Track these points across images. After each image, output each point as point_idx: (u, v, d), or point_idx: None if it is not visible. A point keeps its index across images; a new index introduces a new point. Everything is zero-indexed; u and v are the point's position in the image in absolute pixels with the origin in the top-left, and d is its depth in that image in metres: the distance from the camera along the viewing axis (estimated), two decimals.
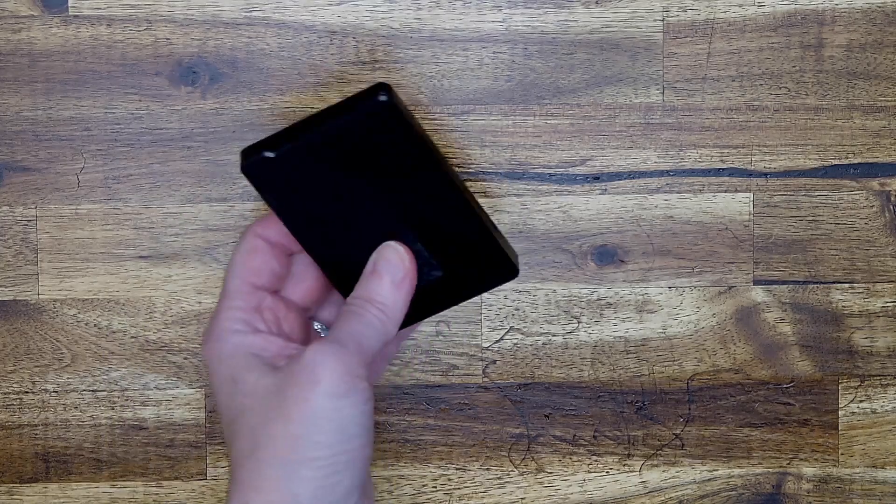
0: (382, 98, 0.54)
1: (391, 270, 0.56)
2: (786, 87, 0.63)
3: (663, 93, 0.63)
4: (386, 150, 0.55)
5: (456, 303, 0.59)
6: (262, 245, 0.57)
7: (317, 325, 0.59)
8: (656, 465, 0.64)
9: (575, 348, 0.64)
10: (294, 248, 0.57)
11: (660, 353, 0.64)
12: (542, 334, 0.64)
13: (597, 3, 0.62)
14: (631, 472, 0.64)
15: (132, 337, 0.63)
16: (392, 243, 0.57)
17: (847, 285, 0.64)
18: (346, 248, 0.57)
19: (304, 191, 0.56)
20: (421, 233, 0.57)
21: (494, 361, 0.64)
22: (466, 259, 0.58)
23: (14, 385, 0.63)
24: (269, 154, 0.55)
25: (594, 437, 0.64)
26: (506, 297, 0.63)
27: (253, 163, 0.55)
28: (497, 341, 0.64)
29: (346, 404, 0.52)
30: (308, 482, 0.51)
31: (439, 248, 0.57)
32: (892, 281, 0.64)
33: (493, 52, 0.62)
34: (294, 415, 0.51)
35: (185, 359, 0.63)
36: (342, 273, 0.57)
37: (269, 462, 0.52)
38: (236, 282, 0.56)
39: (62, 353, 0.63)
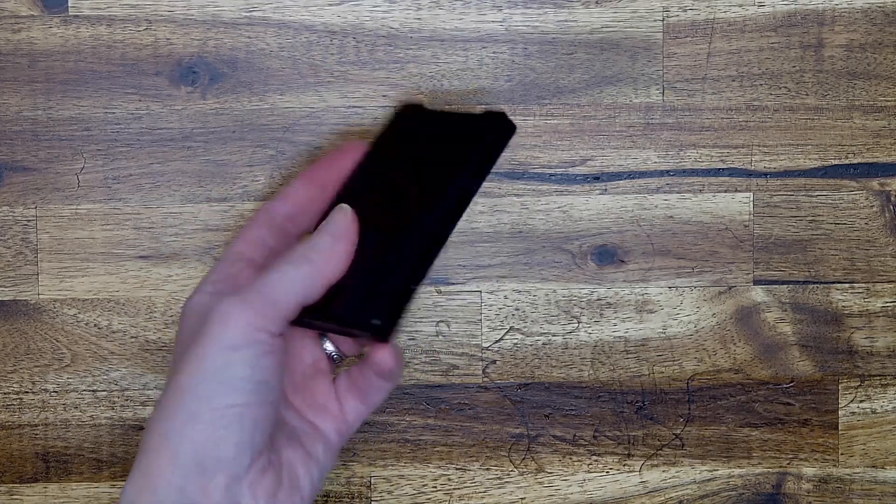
0: (512, 123, 0.56)
1: (332, 227, 0.55)
2: (786, 87, 0.63)
3: (663, 93, 0.63)
4: (456, 159, 0.56)
5: (330, 328, 0.55)
6: (266, 220, 0.57)
7: (329, 348, 0.58)
8: (656, 465, 0.64)
9: (575, 348, 0.64)
10: (294, 230, 0.57)
11: (660, 353, 0.64)
12: (542, 334, 0.64)
13: (597, 3, 0.62)
14: (631, 472, 0.64)
15: (132, 337, 0.63)
16: (344, 206, 0.56)
17: (847, 285, 0.64)
18: (358, 204, 0.57)
19: (400, 144, 0.58)
20: (382, 238, 0.55)
21: (494, 361, 0.64)
22: (369, 290, 0.55)
23: (14, 385, 0.63)
24: (422, 106, 0.60)
25: (594, 437, 0.64)
26: (506, 298, 0.63)
27: (407, 105, 0.60)
28: (497, 341, 0.64)
29: (238, 358, 0.51)
30: (189, 439, 0.50)
31: (372, 262, 0.55)
32: (892, 281, 0.64)
33: (493, 52, 0.62)
34: (186, 368, 0.51)
35: None
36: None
37: (158, 419, 0.51)
38: (230, 251, 0.56)
39: (62, 353, 0.63)
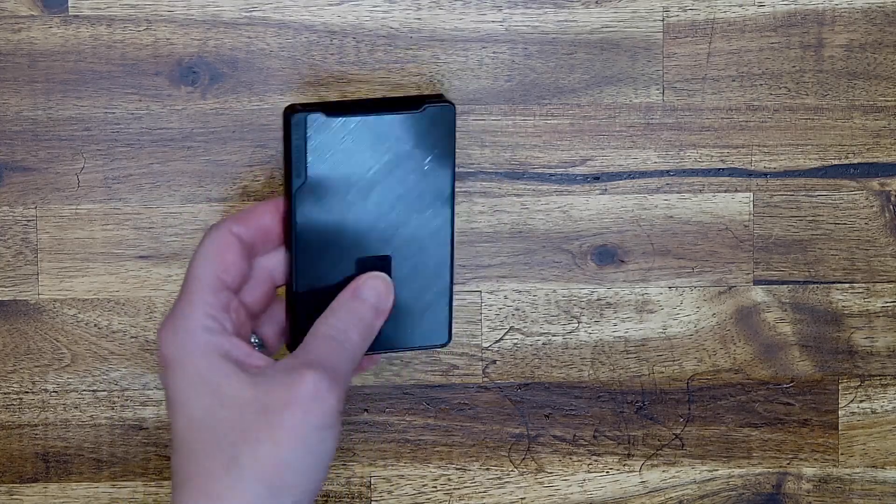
0: (449, 103, 0.55)
1: (377, 300, 0.56)
2: (786, 87, 0.63)
3: (663, 93, 0.63)
4: (421, 158, 0.55)
5: (380, 350, 0.58)
6: (235, 242, 0.55)
7: (254, 339, 0.57)
8: (656, 465, 0.64)
9: (575, 348, 0.64)
10: (260, 250, 0.56)
11: (660, 353, 0.64)
12: (542, 334, 0.64)
13: (597, 3, 0.62)
14: (631, 472, 0.64)
15: (132, 337, 0.63)
16: (381, 274, 0.56)
17: (847, 285, 0.64)
18: (326, 245, 0.56)
19: (326, 167, 0.55)
20: (398, 261, 0.56)
21: (494, 361, 0.64)
22: (414, 307, 0.57)
23: (14, 385, 0.63)
24: (321, 115, 0.54)
25: (594, 437, 0.64)
26: (506, 298, 0.63)
27: (301, 117, 0.54)
28: (497, 341, 0.64)
29: (328, 436, 0.52)
30: None
31: (402, 282, 0.57)
32: (892, 281, 0.64)
33: (493, 52, 0.62)
34: (283, 439, 0.51)
35: None
36: (309, 270, 0.56)
37: (252, 481, 0.51)
38: (208, 275, 0.54)
39: (62, 353, 0.63)
